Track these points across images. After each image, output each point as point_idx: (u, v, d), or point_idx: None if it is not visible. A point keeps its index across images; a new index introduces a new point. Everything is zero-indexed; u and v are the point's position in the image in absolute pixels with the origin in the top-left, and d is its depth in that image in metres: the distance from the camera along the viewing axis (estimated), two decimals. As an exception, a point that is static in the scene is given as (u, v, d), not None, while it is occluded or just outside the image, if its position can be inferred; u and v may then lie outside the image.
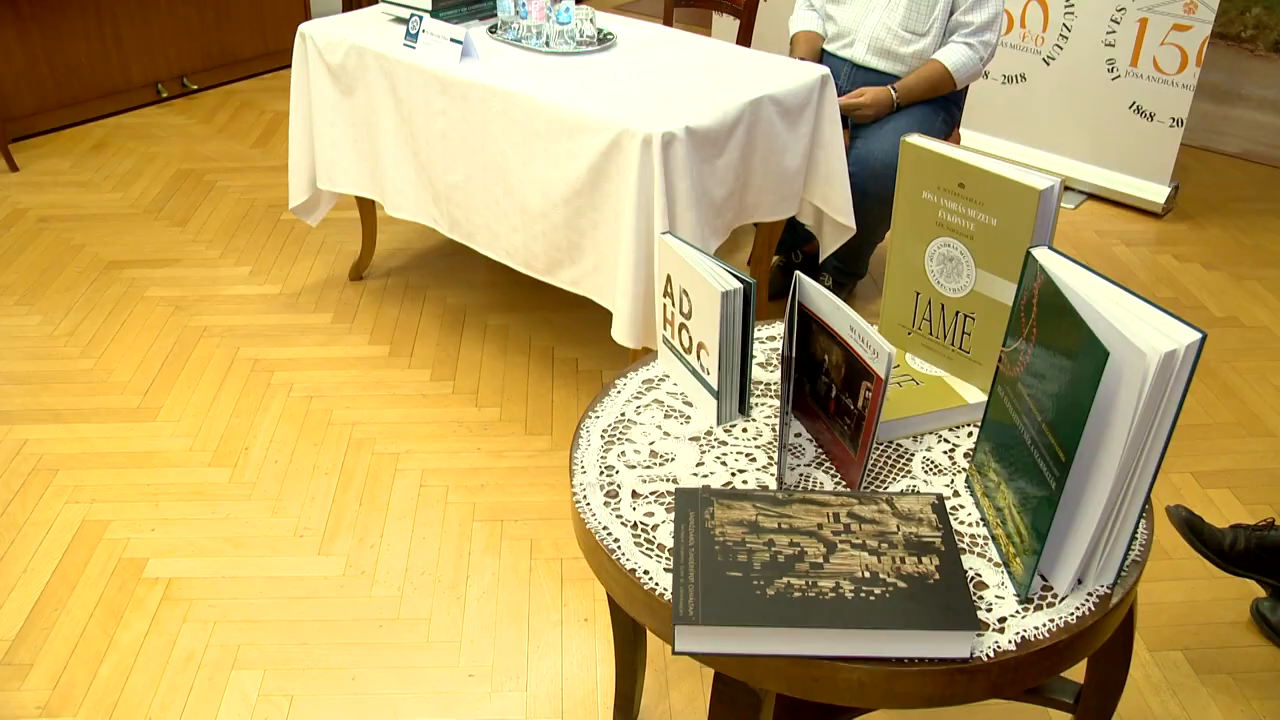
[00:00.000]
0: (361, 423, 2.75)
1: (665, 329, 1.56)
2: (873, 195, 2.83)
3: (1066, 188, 4.12)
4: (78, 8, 4.49)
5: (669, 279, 1.50)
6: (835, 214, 2.73)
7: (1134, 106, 3.92)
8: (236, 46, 5.15)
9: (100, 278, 3.42)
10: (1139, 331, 1.07)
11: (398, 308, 3.26)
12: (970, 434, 1.47)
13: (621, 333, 2.38)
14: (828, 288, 3.21)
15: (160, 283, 3.40)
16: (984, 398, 1.48)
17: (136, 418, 2.77)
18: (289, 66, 3.12)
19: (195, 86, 5.00)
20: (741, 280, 1.39)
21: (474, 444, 2.68)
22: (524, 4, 2.77)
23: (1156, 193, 3.94)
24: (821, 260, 3.02)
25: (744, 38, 3.55)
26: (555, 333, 3.13)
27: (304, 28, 2.94)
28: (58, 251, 3.58)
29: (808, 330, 1.40)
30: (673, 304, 1.51)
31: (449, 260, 3.52)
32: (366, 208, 3.30)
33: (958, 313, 1.50)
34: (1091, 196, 4.10)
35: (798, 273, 1.38)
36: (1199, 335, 1.06)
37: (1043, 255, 1.21)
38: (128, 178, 4.14)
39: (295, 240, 3.66)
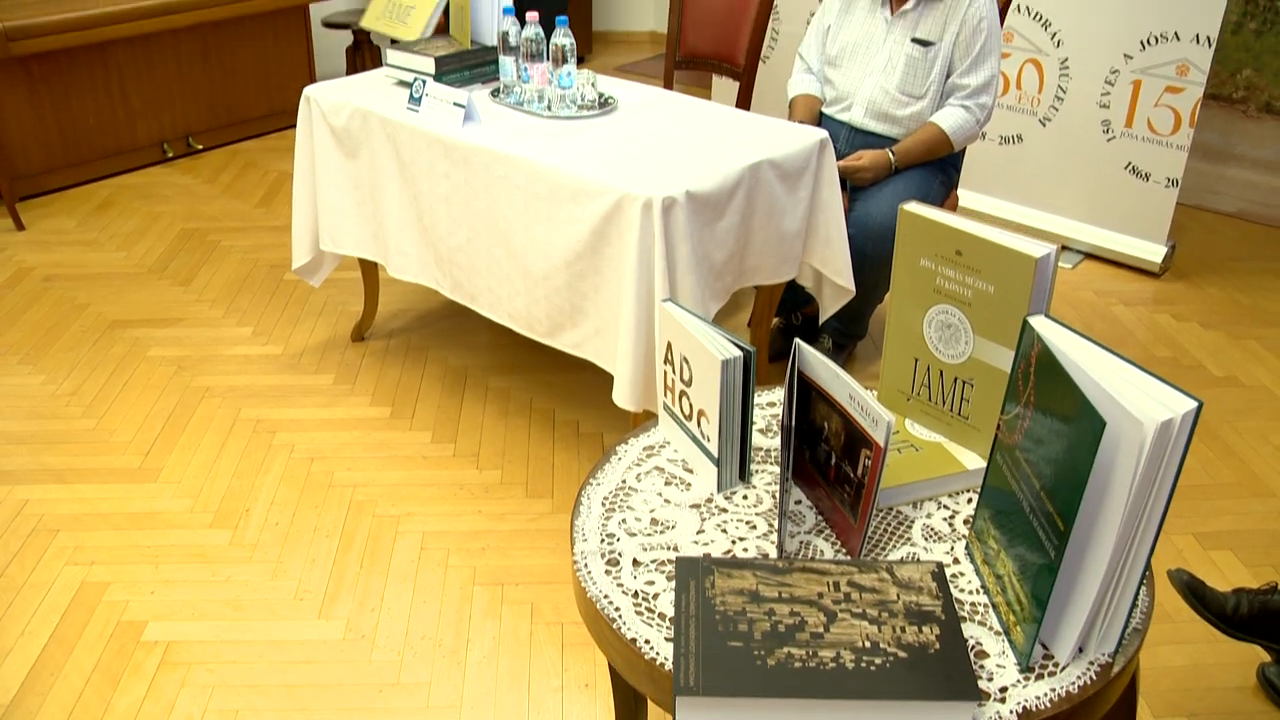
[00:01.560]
0: (363, 485, 2.75)
1: (666, 396, 1.57)
2: (872, 257, 2.85)
3: (1064, 247, 4.14)
4: (87, 68, 4.56)
5: (669, 346, 1.51)
6: (835, 276, 2.75)
7: (1129, 167, 3.96)
8: (242, 106, 5.22)
9: (103, 337, 3.44)
10: (1135, 400, 1.08)
11: (399, 369, 3.27)
12: (970, 500, 1.47)
13: (623, 396, 2.39)
14: (828, 349, 3.24)
15: (163, 342, 3.42)
16: (983, 464, 1.48)
17: (138, 478, 2.77)
18: (293, 126, 3.16)
19: (200, 146, 5.05)
20: (741, 348, 1.40)
21: (475, 506, 2.68)
22: (526, 68, 2.81)
23: (1153, 252, 3.97)
24: (821, 322, 3.03)
25: (743, 99, 3.60)
26: (556, 395, 3.14)
27: (309, 91, 2.98)
28: (62, 310, 3.60)
29: (807, 398, 1.41)
30: (673, 371, 1.52)
31: (450, 321, 3.54)
32: (369, 269, 3.32)
33: (956, 379, 1.51)
34: (1089, 256, 4.12)
35: (797, 340, 1.39)
36: (1195, 404, 1.07)
37: (1039, 324, 1.22)
38: (132, 237, 4.17)
39: (298, 301, 3.68)
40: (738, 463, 1.46)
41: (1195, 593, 2.11)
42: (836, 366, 1.34)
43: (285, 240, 4.07)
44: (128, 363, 3.30)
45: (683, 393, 1.50)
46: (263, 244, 4.12)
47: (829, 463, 1.39)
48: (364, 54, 5.59)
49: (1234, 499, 2.74)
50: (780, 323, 3.37)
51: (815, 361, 1.37)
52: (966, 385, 1.50)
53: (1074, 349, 1.17)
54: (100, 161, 4.73)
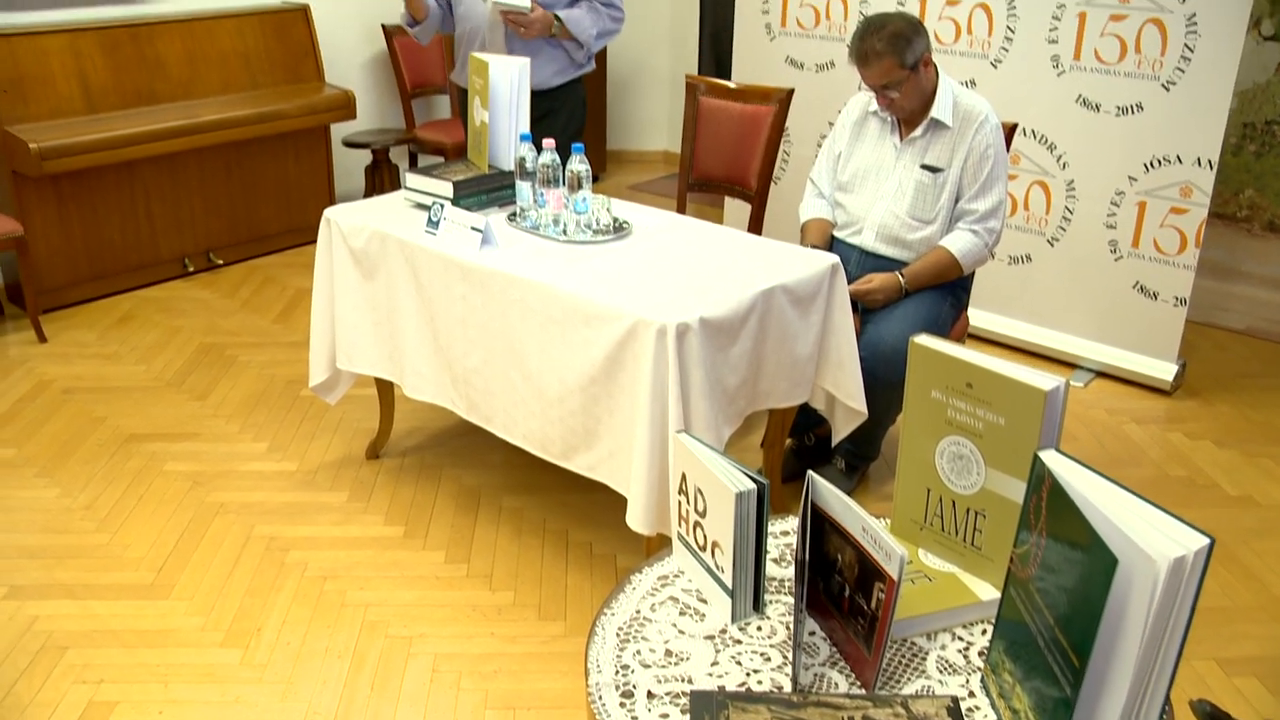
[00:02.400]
0: (375, 605, 2.74)
1: (680, 526, 1.58)
2: (884, 380, 2.87)
3: (1075, 366, 4.16)
4: (114, 185, 4.68)
5: (684, 477, 1.53)
6: (847, 399, 2.77)
7: (1138, 286, 4.00)
8: (262, 223, 5.33)
9: (120, 450, 3.47)
10: (1148, 537, 1.09)
11: (413, 487, 3.28)
12: (985, 631, 1.47)
13: (636, 519, 2.39)
14: (841, 471, 3.24)
15: (179, 457, 3.44)
16: (997, 594, 1.48)
17: (149, 595, 2.77)
18: (312, 242, 3.23)
19: (220, 261, 5.15)
20: (755, 481, 1.41)
21: (488, 629, 2.66)
22: (542, 193, 2.87)
23: (1164, 370, 3.98)
24: (834, 443, 3.04)
25: (755, 220, 3.66)
26: (570, 515, 3.14)
27: (329, 213, 3.04)
28: (80, 423, 3.64)
29: (821, 530, 1.42)
30: (687, 501, 1.53)
31: (465, 440, 3.55)
32: (384, 386, 3.35)
33: (969, 510, 1.52)
34: (1100, 374, 4.14)
35: (810, 472, 1.40)
36: (1207, 541, 1.08)
37: (1050, 458, 1.23)
38: (152, 350, 4.23)
39: (313, 417, 3.71)
40: (752, 594, 1.47)
41: (1217, 724, 2.08)
42: (849, 499, 1.35)
43: (302, 356, 4.11)
44: (143, 477, 3.32)
45: (697, 523, 1.51)
46: (279, 359, 4.17)
47: (843, 594, 1.39)
48: (382, 173, 5.72)
49: (1256, 623, 2.71)
50: (793, 444, 3.37)
51: (828, 494, 1.38)
52: (979, 516, 1.51)
53: (1085, 484, 1.19)
54: (122, 275, 4.83)
